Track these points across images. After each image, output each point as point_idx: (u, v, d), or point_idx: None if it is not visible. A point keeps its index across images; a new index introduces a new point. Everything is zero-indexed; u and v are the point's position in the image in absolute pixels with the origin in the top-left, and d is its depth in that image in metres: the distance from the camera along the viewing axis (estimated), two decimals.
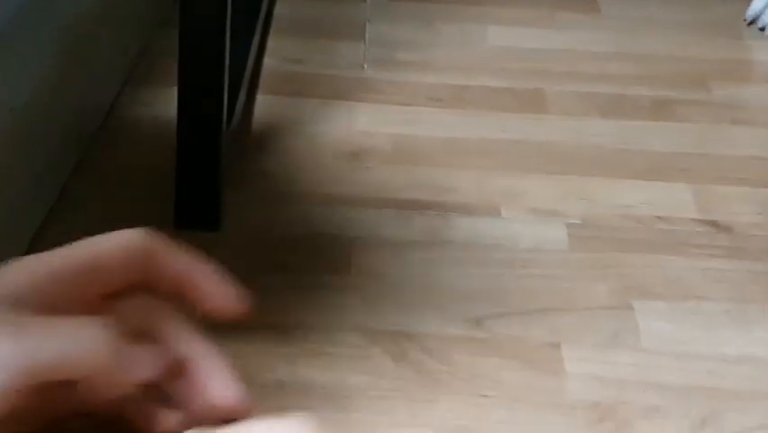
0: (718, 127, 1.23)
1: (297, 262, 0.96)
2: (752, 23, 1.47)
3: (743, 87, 1.32)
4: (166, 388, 0.37)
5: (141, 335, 0.36)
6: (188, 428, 0.35)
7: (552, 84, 1.28)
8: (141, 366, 0.35)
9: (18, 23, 0.88)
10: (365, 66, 1.31)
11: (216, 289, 0.39)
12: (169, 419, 0.37)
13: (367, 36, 1.37)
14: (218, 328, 0.92)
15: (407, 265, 0.98)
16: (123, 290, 0.37)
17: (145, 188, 1.04)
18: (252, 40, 1.23)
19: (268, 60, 1.30)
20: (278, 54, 1.32)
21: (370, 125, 1.20)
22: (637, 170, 1.14)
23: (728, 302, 0.96)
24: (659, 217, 1.06)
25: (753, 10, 1.47)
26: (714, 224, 1.06)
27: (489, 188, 1.10)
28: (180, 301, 0.38)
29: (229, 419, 0.36)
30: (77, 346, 0.33)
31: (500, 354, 0.88)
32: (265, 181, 1.08)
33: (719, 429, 0.82)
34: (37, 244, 0.94)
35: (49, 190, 1.00)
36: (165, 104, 1.07)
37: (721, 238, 1.04)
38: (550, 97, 1.27)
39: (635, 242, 1.03)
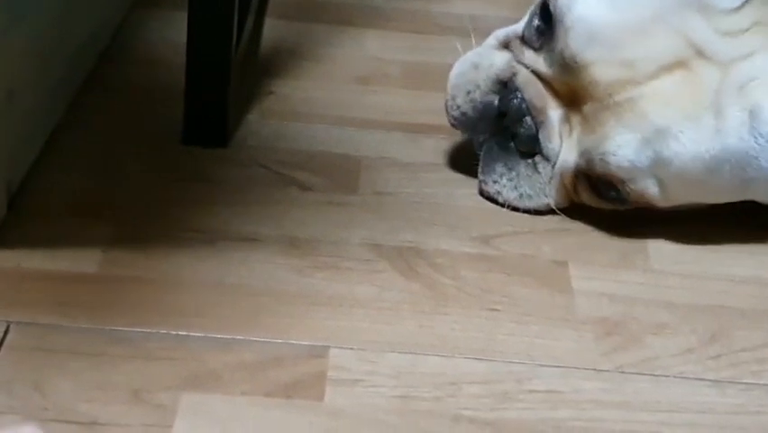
0: None
1: (305, 178, 0.96)
2: None
3: None
4: None
5: None
6: None
7: None
8: None
9: None
10: None
11: None
12: None
13: None
14: (226, 238, 0.91)
15: (416, 185, 0.97)
16: None
17: (154, 106, 1.03)
18: None
19: None
20: None
21: (379, 51, 1.19)
22: None
23: (736, 226, 0.95)
24: None
25: None
26: None
27: None
28: None
29: None
30: None
31: (509, 271, 0.88)
32: (273, 102, 1.07)
33: (727, 345, 0.82)
34: (45, 158, 0.94)
35: (59, 103, 0.99)
36: (175, 25, 1.06)
37: None
38: None
39: None
